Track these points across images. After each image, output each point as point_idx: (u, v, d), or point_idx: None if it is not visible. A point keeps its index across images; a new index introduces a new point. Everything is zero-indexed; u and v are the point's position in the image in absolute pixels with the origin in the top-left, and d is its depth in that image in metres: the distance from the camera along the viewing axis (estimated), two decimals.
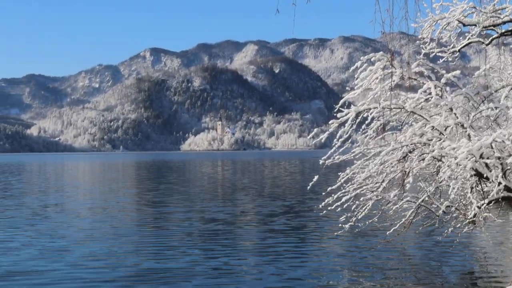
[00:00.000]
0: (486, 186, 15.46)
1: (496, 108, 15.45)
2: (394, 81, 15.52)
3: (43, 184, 53.94)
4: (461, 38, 17.25)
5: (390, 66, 15.04)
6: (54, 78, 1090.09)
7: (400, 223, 15.93)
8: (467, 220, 15.40)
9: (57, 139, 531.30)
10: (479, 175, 15.18)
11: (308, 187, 16.43)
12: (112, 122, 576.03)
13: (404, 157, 15.49)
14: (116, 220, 25.38)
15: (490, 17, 15.69)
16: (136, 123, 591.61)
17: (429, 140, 15.18)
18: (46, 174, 79.10)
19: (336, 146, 15.38)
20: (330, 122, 15.33)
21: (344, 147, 15.46)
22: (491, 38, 16.41)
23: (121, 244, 19.06)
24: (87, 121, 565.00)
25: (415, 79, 15.85)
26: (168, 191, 43.01)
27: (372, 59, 15.85)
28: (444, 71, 15.78)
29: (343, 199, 15.77)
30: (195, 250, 18.08)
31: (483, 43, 16.64)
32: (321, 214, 17.69)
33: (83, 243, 19.33)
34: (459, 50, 17.26)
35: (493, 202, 15.47)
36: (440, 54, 17.55)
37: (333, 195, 15.74)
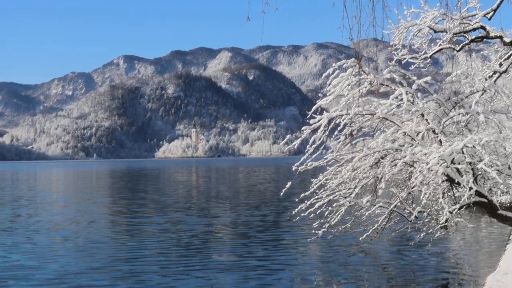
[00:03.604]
0: (458, 191, 15.57)
1: (467, 113, 15.55)
2: (365, 87, 15.65)
3: (15, 194, 53.38)
4: (432, 44, 17.40)
5: (359, 73, 15.13)
6: (26, 86, 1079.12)
7: (373, 228, 15.98)
8: (439, 225, 15.49)
9: (30, 147, 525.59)
10: (450, 180, 15.28)
11: (281, 194, 16.42)
12: (86, 130, 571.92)
13: (376, 163, 15.54)
14: (88, 233, 24.97)
15: (460, 23, 15.82)
16: (110, 131, 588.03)
17: (401, 146, 15.25)
18: (19, 183, 78.26)
19: (309, 152, 15.37)
20: (303, 128, 15.34)
21: (317, 153, 15.45)
22: (461, 44, 16.58)
23: (93, 259, 18.66)
24: (60, 129, 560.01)
25: (386, 85, 15.94)
26: (143, 200, 42.78)
27: (344, 66, 15.91)
28: (415, 77, 15.85)
29: (316, 205, 15.75)
30: (170, 262, 17.99)
31: (454, 49, 16.80)
32: (294, 220, 17.70)
33: (52, 258, 18.98)
34: (430, 56, 17.41)
35: (464, 207, 15.58)
36: (412, 60, 17.67)
37: (306, 201, 15.73)
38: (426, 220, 16.17)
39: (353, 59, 15.15)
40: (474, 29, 16.19)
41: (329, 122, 15.37)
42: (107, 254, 19.06)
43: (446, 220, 15.25)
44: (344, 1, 7.92)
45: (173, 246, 20.37)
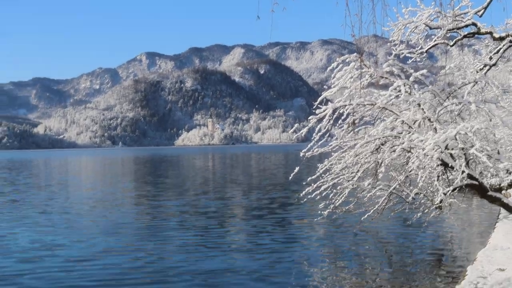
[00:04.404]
0: (451, 174, 15.54)
1: (459, 103, 15.52)
2: (367, 79, 15.61)
3: (50, 178, 53.74)
4: (428, 40, 17.33)
5: (361, 66, 15.11)
6: (58, 81, 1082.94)
7: (374, 209, 16.00)
8: (434, 206, 15.50)
9: (61, 136, 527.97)
10: (444, 164, 15.25)
11: (290, 178, 16.46)
12: (112, 120, 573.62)
13: (376, 149, 15.54)
14: (113, 214, 25.16)
15: (454, 20, 15.76)
16: (133, 121, 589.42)
17: (399, 133, 15.23)
18: (53, 169, 78.76)
19: (315, 139, 15.39)
20: (310, 117, 15.37)
21: (323, 141, 15.46)
22: (455, 40, 16.50)
23: (117, 238, 18.76)
24: (89, 120, 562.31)
25: (386, 78, 15.91)
26: (164, 184, 43.04)
27: (347, 60, 15.90)
28: (412, 70, 15.83)
29: (322, 188, 15.79)
30: (188, 240, 18.09)
31: (447, 44, 16.73)
32: (302, 202, 17.73)
33: (81, 237, 19.18)
34: (426, 51, 17.35)
35: (457, 189, 15.55)
36: (409, 55, 17.63)
37: (313, 184, 15.75)
38: (422, 201, 16.17)
39: (355, 54, 15.11)
40: (466, 26, 16.10)
41: (334, 112, 15.37)
42: (130, 233, 19.15)
43: (441, 201, 15.24)
44: (347, 1, 7.88)
45: (192, 226, 20.45)
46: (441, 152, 14.72)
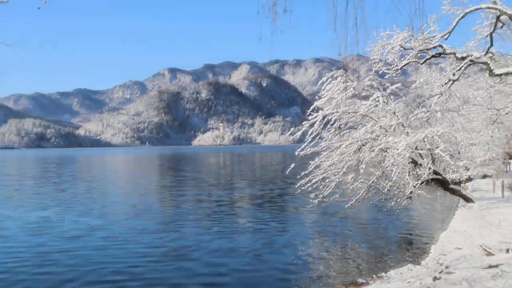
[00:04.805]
0: (420, 170, 15.57)
1: (427, 111, 15.56)
2: (351, 91, 15.70)
3: (92, 172, 53.78)
4: (402, 58, 17.33)
5: (346, 80, 15.22)
6: (95, 91, 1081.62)
7: (355, 199, 16.04)
8: (405, 196, 15.53)
9: (99, 137, 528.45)
10: (414, 162, 15.29)
11: (287, 172, 16.52)
12: (140, 124, 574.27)
13: (358, 149, 15.59)
14: (141, 202, 25.25)
15: (423, 43, 15.79)
16: (158, 125, 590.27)
17: (377, 136, 15.27)
18: (94, 164, 78.83)
19: (308, 141, 15.51)
20: (304, 123, 15.50)
21: (314, 142, 15.57)
22: (424, 59, 16.52)
23: (140, 223, 18.84)
24: (122, 124, 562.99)
25: (367, 90, 15.98)
26: (183, 177, 43.05)
27: (335, 75, 15.97)
28: (389, 84, 15.93)
29: (313, 181, 15.88)
30: (201, 224, 18.08)
31: (418, 62, 16.74)
32: (296, 193, 17.71)
33: (116, 221, 19.21)
34: (400, 68, 17.34)
35: (424, 182, 15.63)
36: (386, 71, 17.63)
37: (305, 178, 15.82)
38: (396, 192, 16.20)
39: (341, 70, 15.17)
40: (434, 47, 16.12)
41: (323, 118, 15.46)
42: (153, 218, 19.15)
43: (411, 192, 15.28)
44: (335, 25, 7.91)
45: (203, 212, 20.46)
46: (412, 152, 14.75)
